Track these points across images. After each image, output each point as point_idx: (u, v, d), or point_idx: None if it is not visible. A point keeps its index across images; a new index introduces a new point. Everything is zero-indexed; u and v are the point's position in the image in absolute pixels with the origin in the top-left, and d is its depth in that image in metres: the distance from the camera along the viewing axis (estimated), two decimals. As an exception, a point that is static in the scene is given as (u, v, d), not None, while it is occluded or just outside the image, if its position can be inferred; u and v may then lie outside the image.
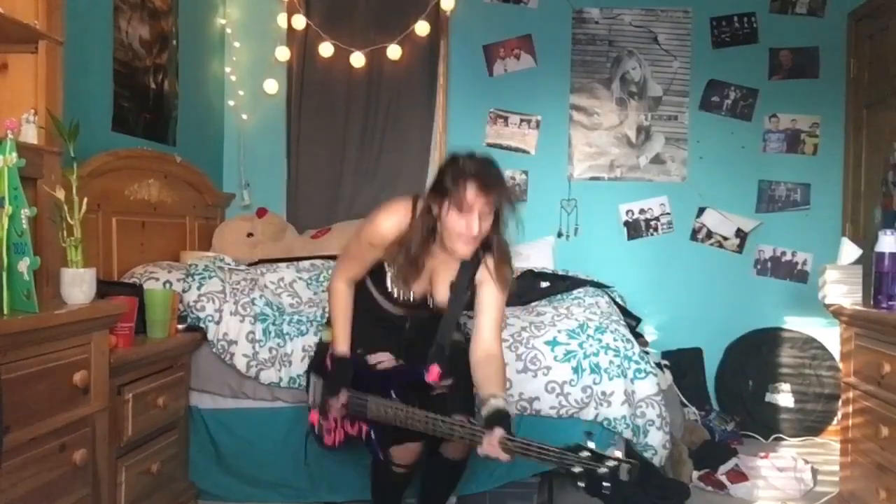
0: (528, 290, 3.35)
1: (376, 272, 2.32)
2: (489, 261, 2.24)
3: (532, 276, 3.53)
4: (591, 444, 1.82)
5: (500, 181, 2.11)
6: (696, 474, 3.21)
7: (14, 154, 1.89)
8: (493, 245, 2.20)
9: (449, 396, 2.24)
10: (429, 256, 2.22)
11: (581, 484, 1.77)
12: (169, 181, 3.46)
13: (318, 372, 2.40)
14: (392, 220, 2.21)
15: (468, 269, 2.24)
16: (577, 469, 1.77)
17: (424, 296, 2.30)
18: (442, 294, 2.28)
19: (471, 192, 2.04)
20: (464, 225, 2.07)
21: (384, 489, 2.44)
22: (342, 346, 2.33)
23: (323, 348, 2.43)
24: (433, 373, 2.19)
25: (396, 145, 4.28)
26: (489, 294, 2.24)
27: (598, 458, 1.76)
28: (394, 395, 2.20)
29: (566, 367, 2.69)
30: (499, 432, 1.93)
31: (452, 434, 2.05)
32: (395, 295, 2.30)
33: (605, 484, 1.74)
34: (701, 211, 4.32)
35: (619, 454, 1.79)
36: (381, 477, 2.41)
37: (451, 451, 2.34)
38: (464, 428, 2.02)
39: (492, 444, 1.93)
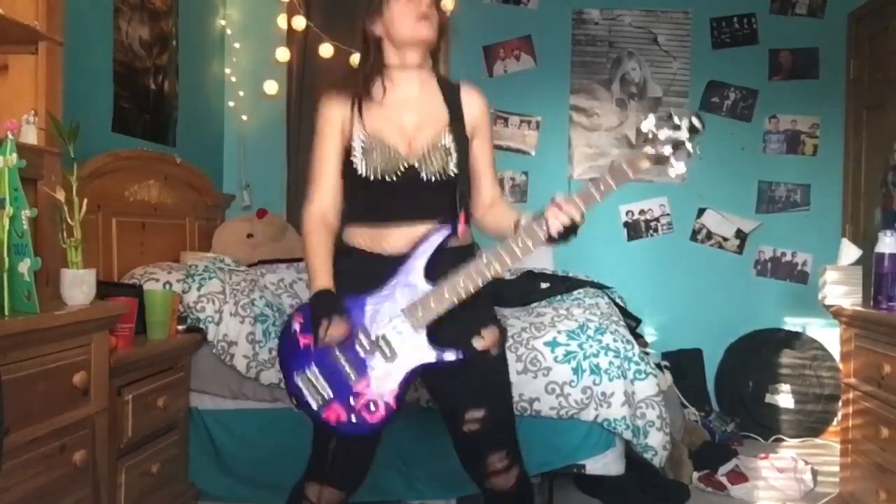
0: (527, 290, 3.35)
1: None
2: (471, 92, 1.94)
3: (532, 276, 3.54)
4: (650, 125, 1.73)
5: None
6: (696, 475, 3.21)
7: (14, 155, 1.89)
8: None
9: (483, 431, 1.88)
10: (383, 99, 1.88)
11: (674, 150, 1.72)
12: (169, 182, 3.46)
13: (299, 365, 1.83)
14: (333, 94, 1.91)
15: (451, 103, 1.91)
16: (666, 151, 1.71)
17: (409, 161, 1.84)
18: (426, 138, 1.86)
19: None
20: (412, 5, 1.82)
21: None
22: (322, 279, 1.82)
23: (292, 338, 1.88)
24: (462, 220, 1.85)
25: (396, 146, 4.27)
26: (483, 141, 1.96)
27: (671, 127, 1.72)
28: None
29: (566, 368, 2.69)
30: (551, 206, 1.70)
31: (506, 253, 1.73)
32: (368, 173, 1.83)
33: (688, 147, 1.72)
34: (701, 212, 4.32)
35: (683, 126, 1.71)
36: None
37: (499, 481, 1.91)
38: (510, 241, 1.73)
39: (557, 206, 1.69)
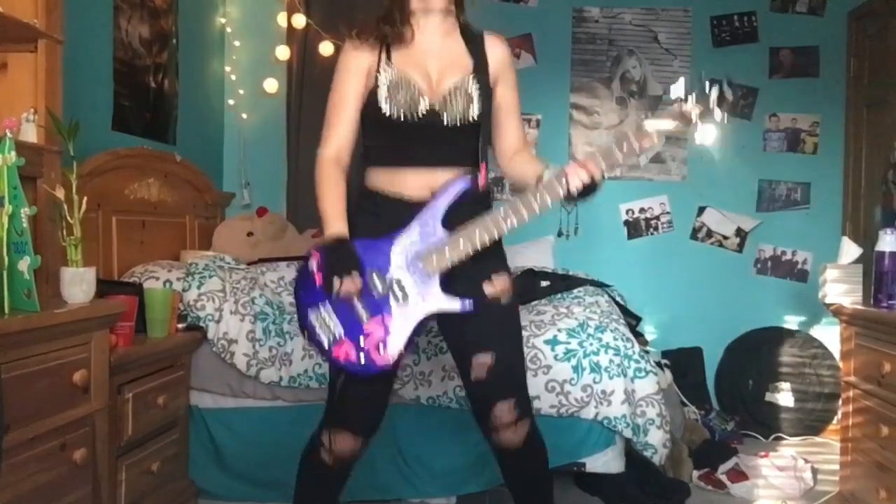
0: (528, 289, 3.35)
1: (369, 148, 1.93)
2: (494, 40, 1.98)
3: (532, 275, 3.53)
4: (679, 89, 1.68)
5: None
6: (696, 473, 3.21)
7: (13, 153, 1.89)
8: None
9: (492, 376, 1.86)
10: (414, 40, 1.89)
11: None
12: (169, 180, 3.46)
13: (312, 301, 1.84)
14: (359, 39, 1.91)
15: (475, 51, 1.93)
16: (694, 112, 1.67)
17: (431, 103, 1.86)
18: (449, 82, 1.88)
19: None
20: None
21: (306, 486, 2.05)
22: (335, 225, 1.82)
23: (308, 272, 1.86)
24: (483, 173, 1.86)
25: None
26: (508, 88, 1.98)
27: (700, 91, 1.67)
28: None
29: (566, 366, 2.69)
30: (572, 163, 1.72)
31: (523, 208, 1.75)
32: (391, 111, 1.84)
33: (717, 113, 1.66)
34: (701, 210, 4.32)
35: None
36: (306, 467, 2.03)
37: (508, 434, 1.88)
38: (528, 194, 1.75)
39: (576, 165, 1.72)
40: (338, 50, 4.08)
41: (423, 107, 1.84)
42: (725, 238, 4.32)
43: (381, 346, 1.78)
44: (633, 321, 3.39)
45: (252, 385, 2.84)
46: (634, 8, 4.32)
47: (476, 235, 1.76)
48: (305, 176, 4.23)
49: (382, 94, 1.85)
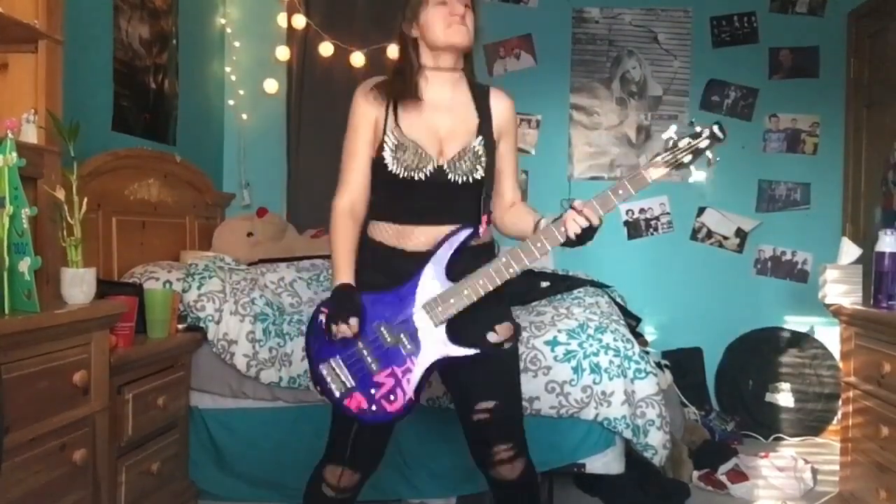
0: (528, 289, 3.35)
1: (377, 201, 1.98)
2: (500, 96, 2.00)
3: (532, 275, 3.53)
4: (671, 133, 1.80)
5: None
6: (696, 474, 3.21)
7: (14, 154, 1.89)
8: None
9: (492, 422, 1.93)
10: (422, 99, 1.93)
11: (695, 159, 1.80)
12: (169, 181, 3.46)
13: (323, 355, 1.89)
14: (369, 90, 1.95)
15: (481, 107, 1.96)
16: (686, 158, 1.79)
17: (438, 163, 1.90)
18: (457, 142, 1.92)
19: None
20: (447, 10, 1.87)
21: None
22: (342, 275, 1.90)
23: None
24: (483, 223, 1.92)
25: (396, 145, 4.27)
26: (508, 146, 2.02)
27: (692, 136, 1.78)
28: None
29: (566, 367, 2.69)
30: (570, 210, 1.77)
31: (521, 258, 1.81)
32: (398, 170, 1.88)
33: (709, 155, 1.78)
34: (701, 210, 4.32)
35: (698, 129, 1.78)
36: (309, 499, 2.04)
37: (504, 470, 1.95)
38: (527, 246, 1.81)
39: (576, 209, 1.77)
40: (337, 50, 4.11)
41: (430, 167, 1.90)
42: (725, 238, 4.32)
43: (391, 395, 1.85)
44: (633, 322, 3.39)
45: (252, 386, 2.84)
46: (634, 8, 4.33)
47: (479, 283, 1.83)
48: (305, 176, 4.25)
49: (389, 153, 1.90)
